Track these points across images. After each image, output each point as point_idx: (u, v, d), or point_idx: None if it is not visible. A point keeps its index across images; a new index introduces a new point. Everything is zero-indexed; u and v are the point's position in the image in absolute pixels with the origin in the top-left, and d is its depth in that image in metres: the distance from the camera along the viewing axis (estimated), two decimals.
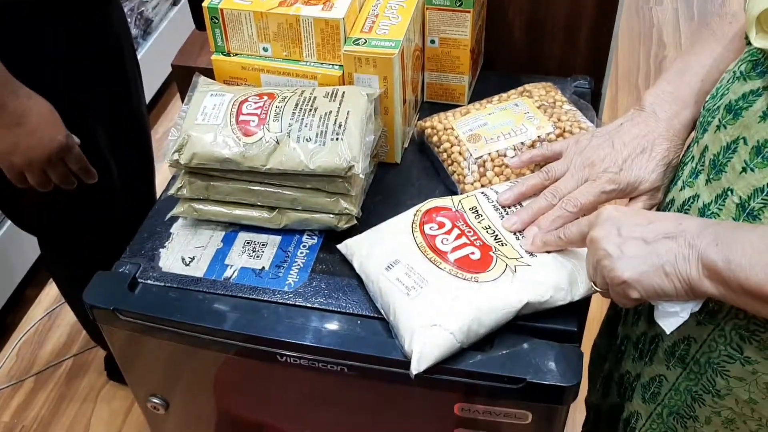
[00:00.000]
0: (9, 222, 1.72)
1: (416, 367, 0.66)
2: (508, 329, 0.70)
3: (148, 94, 1.72)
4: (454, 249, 0.73)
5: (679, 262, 0.56)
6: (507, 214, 0.76)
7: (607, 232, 0.60)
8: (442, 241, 0.74)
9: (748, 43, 0.59)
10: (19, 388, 1.70)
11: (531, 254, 0.72)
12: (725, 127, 0.61)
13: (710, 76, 0.70)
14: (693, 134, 0.71)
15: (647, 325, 0.74)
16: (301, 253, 0.80)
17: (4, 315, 1.80)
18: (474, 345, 0.69)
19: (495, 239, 0.74)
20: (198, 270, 0.79)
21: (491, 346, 0.69)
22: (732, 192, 0.60)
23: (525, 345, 0.69)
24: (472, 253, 0.72)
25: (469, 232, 0.75)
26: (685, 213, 0.66)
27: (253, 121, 0.78)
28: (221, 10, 0.83)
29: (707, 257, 0.54)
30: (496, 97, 0.91)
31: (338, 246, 0.79)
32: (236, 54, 0.87)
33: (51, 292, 1.89)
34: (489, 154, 0.83)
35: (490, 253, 0.72)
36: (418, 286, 0.70)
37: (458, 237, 0.74)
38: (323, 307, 0.75)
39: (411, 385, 0.69)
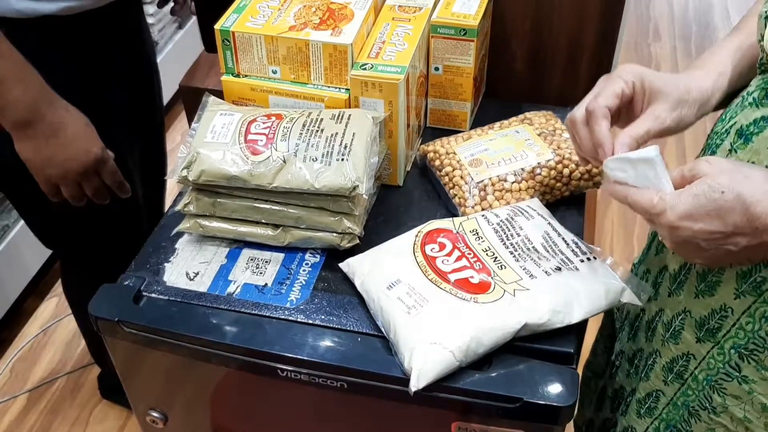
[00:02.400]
0: (7, 240, 1.73)
1: (415, 384, 0.67)
2: (506, 350, 0.71)
3: None
4: (454, 270, 0.75)
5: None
6: (507, 237, 0.78)
7: (689, 249, 0.60)
8: (442, 262, 0.75)
9: (761, 72, 0.62)
10: (11, 405, 1.69)
11: (531, 277, 0.74)
12: (736, 151, 0.63)
13: (732, 64, 0.71)
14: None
15: (644, 342, 0.75)
16: (304, 270, 0.82)
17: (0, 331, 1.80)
18: (472, 364, 0.70)
19: (494, 261, 0.75)
20: (202, 285, 0.80)
21: (489, 366, 0.71)
22: None
23: (522, 365, 0.71)
24: (471, 277, 0.74)
25: (470, 254, 0.76)
26: None
27: (261, 140, 0.80)
28: (233, 32, 0.86)
29: None
30: (497, 124, 0.93)
31: (340, 264, 0.81)
32: (246, 75, 0.89)
33: (47, 308, 1.90)
34: (490, 178, 0.85)
35: (489, 278, 0.74)
36: (419, 305, 0.71)
37: (458, 259, 0.76)
38: (324, 323, 0.76)
39: (409, 402, 0.69)
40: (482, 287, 0.73)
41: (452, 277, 0.74)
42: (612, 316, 0.92)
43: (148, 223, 1.32)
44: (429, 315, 0.71)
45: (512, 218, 0.80)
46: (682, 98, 0.67)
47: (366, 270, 0.78)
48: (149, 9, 2.24)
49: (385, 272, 0.76)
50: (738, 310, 0.63)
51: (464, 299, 0.71)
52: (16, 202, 1.17)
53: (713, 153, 0.68)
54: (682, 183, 0.61)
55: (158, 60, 2.23)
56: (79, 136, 0.93)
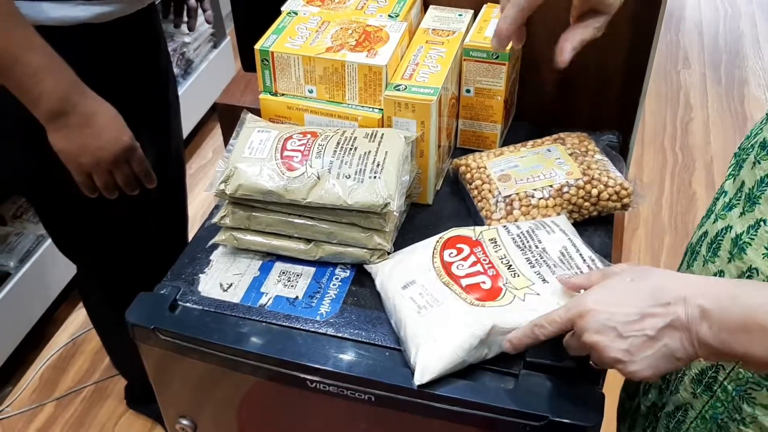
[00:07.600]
0: (37, 253, 1.77)
1: (419, 379, 0.70)
2: (532, 368, 0.72)
3: (185, 131, 1.78)
4: (468, 275, 0.76)
5: (686, 347, 0.58)
6: (526, 247, 0.79)
7: (608, 338, 0.60)
8: (457, 267, 0.77)
9: None
10: (39, 412, 1.72)
11: (543, 281, 0.75)
12: (759, 163, 0.65)
13: None
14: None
15: None
16: (334, 285, 0.83)
17: (30, 339, 1.83)
18: (498, 381, 0.71)
19: (509, 269, 0.77)
20: (235, 296, 0.82)
21: (516, 384, 0.72)
22: (765, 222, 0.63)
23: (548, 384, 0.71)
24: (483, 283, 0.75)
25: (485, 260, 0.78)
26: (719, 243, 0.69)
27: (297, 157, 0.82)
28: (272, 52, 0.89)
29: (705, 341, 0.57)
30: (530, 142, 0.95)
31: (365, 266, 0.83)
32: (283, 94, 0.92)
33: (77, 318, 1.94)
34: (517, 193, 0.86)
35: (501, 284, 0.75)
36: (429, 305, 0.74)
37: (473, 264, 0.77)
38: (353, 337, 0.77)
39: (435, 417, 0.71)
40: (493, 293, 0.74)
41: (464, 282, 0.75)
42: None
43: (167, 235, 1.35)
44: (437, 315, 0.73)
45: (533, 231, 0.81)
46: None
47: (386, 270, 0.80)
48: (184, 28, 2.30)
49: (403, 273, 0.78)
50: None
51: (472, 303, 0.73)
52: (38, 206, 1.21)
53: (740, 168, 0.70)
54: (588, 284, 0.68)
55: (192, 78, 2.32)
56: (110, 125, 0.97)
